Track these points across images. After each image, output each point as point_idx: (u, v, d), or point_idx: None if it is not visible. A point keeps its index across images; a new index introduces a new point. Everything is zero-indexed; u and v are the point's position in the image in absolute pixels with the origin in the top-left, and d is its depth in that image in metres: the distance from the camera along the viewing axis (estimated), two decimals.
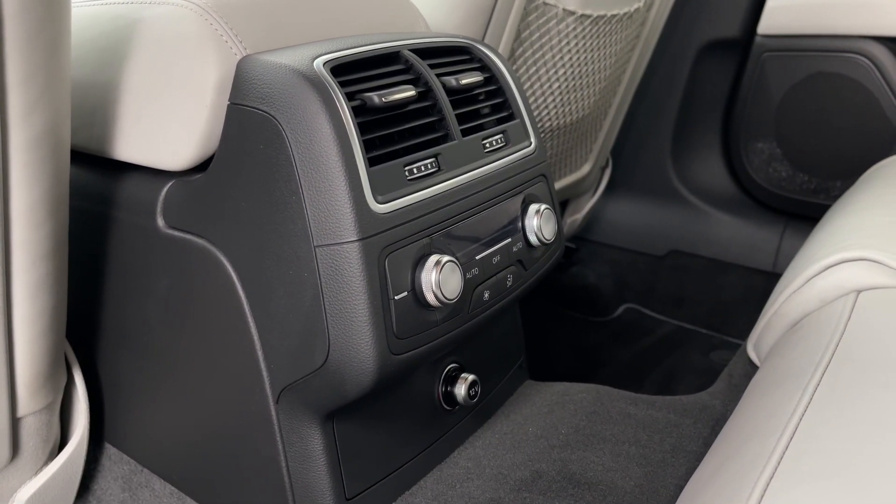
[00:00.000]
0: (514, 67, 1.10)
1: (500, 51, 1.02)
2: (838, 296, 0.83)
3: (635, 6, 1.27)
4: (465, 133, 0.74)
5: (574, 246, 1.84)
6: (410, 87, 0.69)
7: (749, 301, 1.63)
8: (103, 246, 0.78)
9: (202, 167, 0.70)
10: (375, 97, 0.65)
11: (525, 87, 1.15)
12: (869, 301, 0.78)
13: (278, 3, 0.71)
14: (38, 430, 0.72)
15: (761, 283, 1.62)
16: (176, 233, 0.72)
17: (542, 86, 1.18)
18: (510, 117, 0.82)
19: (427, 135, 0.71)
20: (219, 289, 0.69)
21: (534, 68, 1.14)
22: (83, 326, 0.83)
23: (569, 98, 1.26)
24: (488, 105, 0.81)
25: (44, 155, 0.58)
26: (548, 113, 1.23)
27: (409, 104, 0.69)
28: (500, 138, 0.79)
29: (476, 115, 0.78)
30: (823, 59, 1.48)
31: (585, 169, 1.54)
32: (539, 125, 1.23)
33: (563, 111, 1.27)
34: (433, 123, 0.72)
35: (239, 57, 0.66)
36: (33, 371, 0.67)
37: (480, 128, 0.77)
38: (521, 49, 1.09)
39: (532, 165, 0.82)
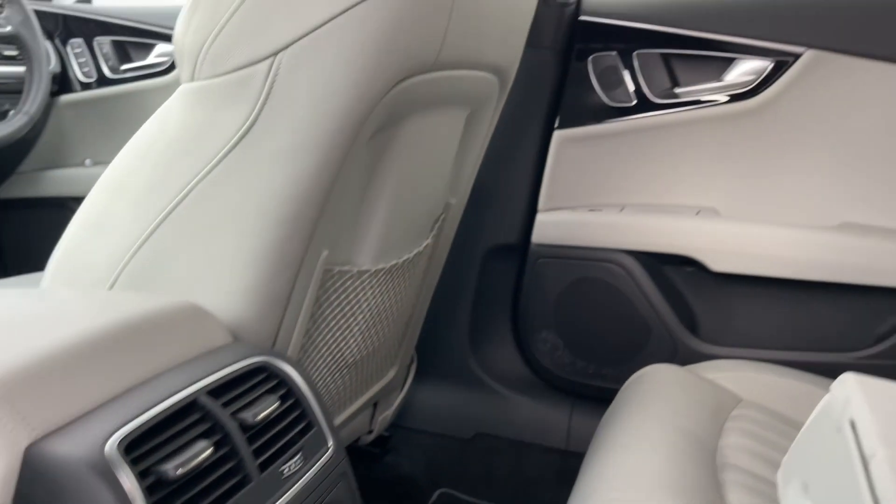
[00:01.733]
0: (315, 325, 1.17)
1: (299, 323, 1.08)
2: None
3: (424, 244, 1.42)
4: (263, 466, 0.79)
5: (387, 433, 1.91)
6: (207, 442, 0.73)
7: (547, 479, 1.78)
8: None
9: None
10: (171, 470, 0.68)
11: (327, 339, 1.22)
12: None
13: (68, 367, 0.73)
14: None
15: (557, 461, 1.78)
16: None
17: (342, 332, 1.26)
18: (308, 427, 0.88)
19: (225, 484, 0.74)
20: None
21: (335, 321, 1.22)
22: None
23: (371, 332, 1.35)
24: (287, 422, 0.86)
25: None
26: (349, 350, 1.31)
27: (206, 460, 0.73)
28: (299, 458, 0.84)
29: (274, 440, 0.83)
30: (587, 265, 1.72)
31: (391, 373, 1.63)
32: (342, 361, 1.31)
33: (366, 343, 1.35)
34: (231, 469, 0.76)
35: (25, 444, 0.66)
36: None
37: (280, 452, 0.82)
38: (320, 310, 1.17)
39: (332, 469, 0.88)
